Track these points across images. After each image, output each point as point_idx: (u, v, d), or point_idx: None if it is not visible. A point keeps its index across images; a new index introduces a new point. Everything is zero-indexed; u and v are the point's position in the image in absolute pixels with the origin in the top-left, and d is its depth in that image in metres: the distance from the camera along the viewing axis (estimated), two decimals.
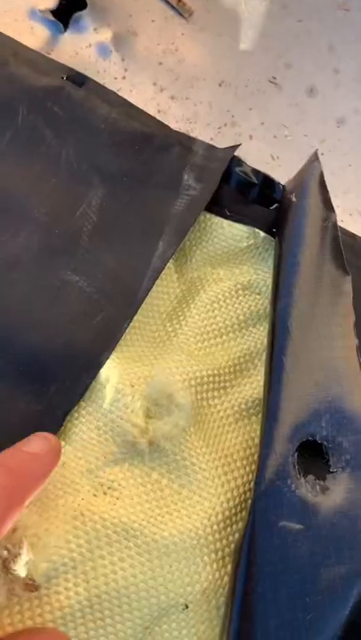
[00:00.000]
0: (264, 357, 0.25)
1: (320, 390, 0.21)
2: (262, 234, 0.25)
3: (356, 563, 0.20)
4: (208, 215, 0.26)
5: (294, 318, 0.22)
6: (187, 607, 0.20)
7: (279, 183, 0.26)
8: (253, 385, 0.25)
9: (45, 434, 0.19)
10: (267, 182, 0.27)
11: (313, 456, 0.21)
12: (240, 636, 0.19)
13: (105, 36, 0.31)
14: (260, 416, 0.24)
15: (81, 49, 0.30)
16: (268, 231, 0.25)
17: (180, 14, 0.31)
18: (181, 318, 0.25)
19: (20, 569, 0.18)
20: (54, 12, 0.30)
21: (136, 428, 0.20)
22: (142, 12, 0.31)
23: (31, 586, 0.18)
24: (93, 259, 0.24)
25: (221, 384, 0.24)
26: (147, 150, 0.26)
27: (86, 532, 0.20)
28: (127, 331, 0.23)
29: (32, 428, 0.21)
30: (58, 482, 0.20)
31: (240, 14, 0.31)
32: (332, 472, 0.21)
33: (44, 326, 0.22)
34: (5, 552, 0.17)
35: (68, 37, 0.31)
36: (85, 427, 0.21)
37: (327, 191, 0.24)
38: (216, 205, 0.26)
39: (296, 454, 0.21)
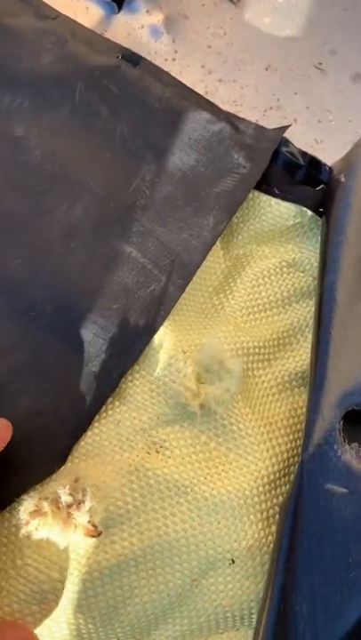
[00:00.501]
0: (306, 333, 0.26)
1: None
2: (309, 212, 0.26)
3: None
4: (257, 193, 0.26)
5: (341, 292, 0.22)
6: (233, 562, 0.21)
7: (326, 165, 0.27)
8: (296, 359, 0.25)
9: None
10: (313, 164, 0.27)
11: (357, 425, 0.22)
12: (284, 590, 0.20)
13: (157, 18, 0.31)
14: (302, 388, 0.25)
15: (133, 30, 0.31)
16: (315, 210, 0.26)
17: None
18: (228, 292, 0.26)
19: (83, 515, 0.19)
20: None
21: (188, 391, 0.21)
22: None
23: (92, 531, 0.19)
24: (146, 231, 0.25)
25: (266, 356, 0.25)
26: (198, 129, 0.27)
27: (140, 486, 0.21)
28: (178, 301, 0.24)
29: (88, 388, 0.22)
30: (114, 438, 0.21)
31: (287, 0, 0.32)
32: None
33: (99, 292, 0.23)
34: (70, 498, 0.19)
35: (121, 18, 0.32)
36: (139, 389, 0.22)
37: None
38: (265, 184, 0.26)
39: (342, 422, 0.21)
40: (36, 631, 0.20)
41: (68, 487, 0.19)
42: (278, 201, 0.26)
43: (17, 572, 0.20)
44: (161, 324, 0.23)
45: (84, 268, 0.24)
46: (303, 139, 0.32)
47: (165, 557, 0.21)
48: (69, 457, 0.21)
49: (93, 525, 0.19)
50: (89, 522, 0.19)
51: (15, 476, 0.20)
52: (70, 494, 0.19)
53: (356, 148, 0.26)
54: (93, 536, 0.19)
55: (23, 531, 0.19)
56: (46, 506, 0.19)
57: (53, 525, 0.18)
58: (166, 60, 0.31)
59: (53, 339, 0.23)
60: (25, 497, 0.19)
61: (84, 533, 0.19)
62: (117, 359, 0.22)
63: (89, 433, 0.22)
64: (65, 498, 0.18)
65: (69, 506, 0.19)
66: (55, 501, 0.19)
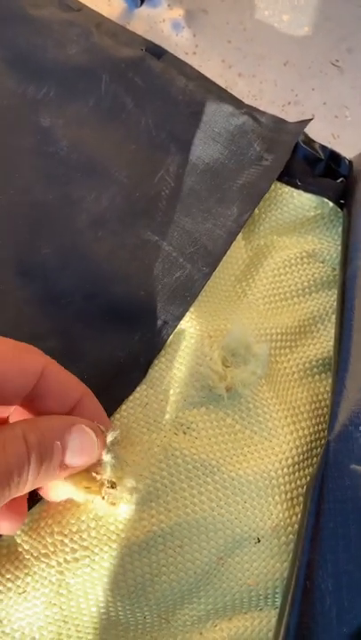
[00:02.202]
0: (326, 322, 0.27)
1: None
2: (331, 204, 0.27)
3: None
4: (279, 184, 0.27)
5: None
6: (258, 541, 0.22)
7: (345, 158, 0.28)
8: (317, 346, 0.26)
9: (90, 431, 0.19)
10: (333, 157, 0.28)
11: None
12: (310, 567, 0.20)
13: (178, 12, 0.32)
14: (323, 375, 0.26)
15: (155, 23, 0.32)
16: (335, 202, 0.27)
17: None
18: (251, 281, 0.26)
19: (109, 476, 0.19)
20: None
21: (215, 374, 0.22)
22: None
23: (113, 483, 0.19)
24: (171, 221, 0.25)
25: (288, 343, 0.25)
26: (221, 122, 0.27)
27: (168, 465, 0.21)
28: (203, 288, 0.24)
29: (117, 372, 0.23)
30: (142, 420, 0.22)
31: None
32: None
33: (127, 279, 0.24)
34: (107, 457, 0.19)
35: (143, 12, 0.32)
36: (166, 372, 0.23)
37: None
38: (287, 175, 0.27)
39: None
40: (65, 606, 0.20)
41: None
42: (300, 192, 0.27)
43: (50, 544, 0.20)
44: (187, 310, 0.23)
45: (112, 255, 0.24)
46: (320, 134, 0.32)
47: (193, 535, 0.21)
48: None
49: (112, 481, 0.19)
50: (110, 481, 0.19)
51: None
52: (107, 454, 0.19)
53: None
54: (114, 487, 0.19)
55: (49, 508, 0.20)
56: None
57: (78, 484, 0.19)
58: (187, 53, 0.31)
59: (83, 325, 0.23)
60: None
61: (107, 489, 0.19)
62: (145, 344, 0.23)
63: (117, 416, 0.22)
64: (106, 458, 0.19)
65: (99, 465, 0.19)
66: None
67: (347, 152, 0.30)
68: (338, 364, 0.22)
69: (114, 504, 0.20)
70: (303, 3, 0.32)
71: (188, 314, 0.24)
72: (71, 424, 0.18)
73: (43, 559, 0.20)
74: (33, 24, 0.28)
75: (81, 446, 0.18)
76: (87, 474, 0.19)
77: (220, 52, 0.31)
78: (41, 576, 0.20)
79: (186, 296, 0.24)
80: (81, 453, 0.18)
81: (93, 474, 0.19)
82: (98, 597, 0.20)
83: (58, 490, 0.20)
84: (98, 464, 0.19)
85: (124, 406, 0.22)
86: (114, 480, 0.19)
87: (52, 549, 0.20)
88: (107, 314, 0.23)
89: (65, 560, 0.20)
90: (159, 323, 0.23)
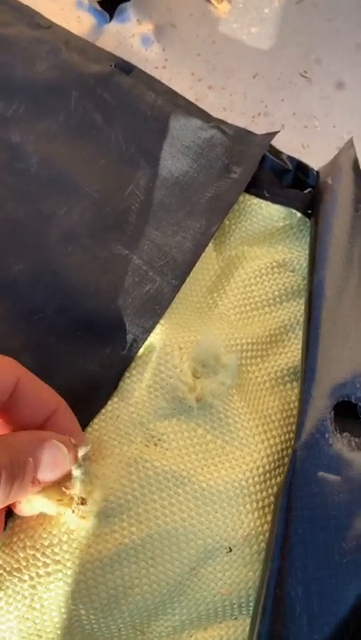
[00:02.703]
0: (297, 330, 0.27)
1: (354, 355, 0.23)
2: (299, 214, 0.27)
3: None
4: (247, 196, 0.27)
5: (330, 289, 0.24)
6: (230, 550, 0.22)
7: (313, 169, 0.28)
8: (288, 355, 0.26)
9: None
10: (301, 168, 0.28)
11: (348, 416, 0.23)
12: (280, 575, 0.20)
13: (147, 27, 0.32)
14: (294, 383, 0.26)
15: (125, 38, 0.32)
16: (303, 212, 0.27)
17: (217, 9, 0.32)
18: (221, 292, 0.27)
19: (78, 490, 0.19)
20: (101, 3, 0.31)
21: (185, 385, 0.22)
22: (181, 5, 0.33)
23: (83, 500, 0.19)
24: (141, 234, 0.26)
25: (259, 352, 0.26)
26: (190, 135, 0.28)
27: (139, 477, 0.21)
28: (173, 300, 0.25)
29: (89, 386, 0.23)
30: (113, 433, 0.22)
31: (273, 11, 0.33)
32: None
33: (98, 293, 0.24)
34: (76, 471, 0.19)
35: (112, 27, 0.33)
36: (137, 385, 0.23)
37: None
38: (255, 187, 0.27)
39: (333, 412, 0.22)
40: (38, 620, 0.20)
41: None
42: (268, 203, 0.27)
43: (22, 559, 0.20)
44: (157, 323, 0.24)
45: (83, 270, 0.25)
46: (290, 144, 0.33)
47: (164, 546, 0.21)
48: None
49: (82, 497, 0.19)
50: (80, 497, 0.19)
51: None
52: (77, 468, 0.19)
53: (343, 152, 0.27)
54: (83, 503, 0.19)
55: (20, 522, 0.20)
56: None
57: (49, 497, 0.19)
58: (157, 67, 0.32)
59: (56, 340, 0.23)
60: None
61: (77, 505, 0.19)
62: (116, 358, 0.23)
63: (88, 429, 0.22)
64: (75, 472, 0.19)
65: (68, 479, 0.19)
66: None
67: (317, 161, 0.31)
68: (305, 373, 0.22)
69: (84, 517, 0.20)
70: (271, 16, 0.32)
71: (158, 326, 0.24)
72: (42, 440, 0.18)
73: (15, 574, 0.20)
74: (2, 42, 0.29)
75: (53, 461, 0.18)
76: (58, 487, 0.20)
77: (190, 65, 0.32)
78: (14, 590, 0.20)
79: (156, 309, 0.24)
80: (53, 468, 0.18)
81: (63, 488, 0.19)
82: (71, 611, 0.21)
83: (30, 504, 0.20)
84: (68, 478, 0.20)
85: (95, 419, 0.22)
86: (83, 496, 0.20)
87: (24, 564, 0.20)
88: (78, 328, 0.24)
89: (37, 574, 0.20)
90: (130, 336, 0.24)
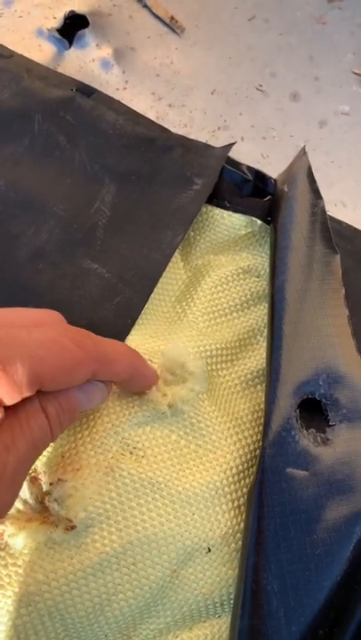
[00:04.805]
0: (265, 333, 0.28)
1: (316, 354, 0.24)
2: (259, 222, 0.28)
3: (356, 504, 0.23)
4: (210, 207, 0.29)
5: (291, 292, 0.25)
6: (209, 551, 0.23)
7: (271, 177, 0.30)
8: (257, 358, 0.27)
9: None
10: (259, 177, 0.30)
11: (313, 413, 0.24)
12: (256, 570, 0.21)
13: (106, 51, 0.34)
14: (263, 385, 0.27)
15: (85, 63, 0.33)
16: (263, 219, 0.28)
17: (174, 30, 0.34)
18: (190, 300, 0.28)
19: (62, 509, 0.20)
20: (60, 31, 0.33)
21: (157, 391, 0.23)
22: (139, 29, 0.34)
23: (70, 524, 0.20)
24: (109, 248, 0.27)
25: (228, 357, 0.27)
26: (151, 151, 0.29)
27: (117, 485, 0.22)
28: (143, 311, 0.25)
29: None
30: (89, 443, 0.23)
31: (227, 29, 0.35)
32: (331, 425, 0.24)
33: (68, 308, 0.25)
34: (50, 488, 0.20)
35: (72, 53, 0.34)
36: (110, 395, 0.24)
37: (315, 181, 0.27)
38: (216, 198, 0.28)
39: (298, 410, 0.23)
40: (25, 633, 0.21)
41: (47, 483, 0.20)
42: (230, 213, 0.28)
43: (5, 576, 0.20)
44: (128, 333, 0.25)
45: (53, 286, 0.25)
46: (251, 154, 0.34)
47: (145, 552, 0.22)
48: (45, 462, 0.22)
49: (68, 519, 0.20)
50: (64, 516, 0.20)
51: None
52: (50, 486, 0.20)
53: (296, 160, 0.28)
54: (69, 528, 0.20)
55: (0, 542, 0.20)
56: (21, 505, 0.20)
57: (31, 522, 0.19)
58: (118, 89, 0.33)
59: None
60: None
61: (64, 527, 0.20)
62: None
63: (64, 441, 0.23)
64: (45, 487, 0.20)
65: (47, 499, 0.20)
66: (33, 498, 0.20)
67: (277, 169, 0.32)
68: (270, 374, 0.23)
69: (68, 530, 0.20)
70: (225, 34, 0.34)
71: (129, 337, 0.25)
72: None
73: (0, 590, 0.21)
74: None
75: (93, 395, 0.20)
76: (39, 515, 0.20)
77: (150, 85, 0.33)
78: None
79: (127, 319, 0.25)
80: (93, 401, 0.20)
81: (45, 506, 0.20)
82: (55, 621, 0.21)
83: (17, 538, 0.20)
84: (48, 510, 0.20)
85: (71, 431, 0.23)
86: (62, 513, 0.20)
87: (7, 580, 0.21)
88: None
89: (21, 589, 0.21)
90: None
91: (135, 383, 0.22)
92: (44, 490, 0.21)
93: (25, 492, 0.20)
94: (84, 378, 0.18)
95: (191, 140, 0.30)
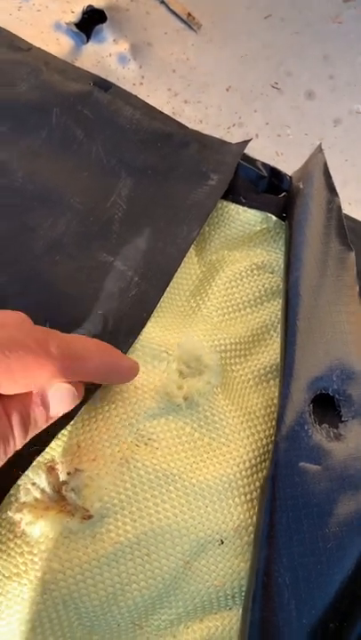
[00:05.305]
0: (279, 329, 0.28)
1: (330, 350, 0.24)
2: (274, 218, 0.28)
3: None
4: (225, 203, 0.29)
5: (305, 287, 0.25)
6: (222, 543, 0.23)
7: (286, 174, 0.30)
8: (270, 353, 0.28)
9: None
10: (275, 174, 0.30)
11: (326, 408, 0.24)
12: (268, 562, 0.21)
13: (123, 46, 0.34)
14: (276, 380, 0.27)
15: (102, 58, 0.33)
16: (278, 216, 0.29)
17: (190, 27, 0.34)
18: (204, 295, 0.28)
19: (79, 498, 0.20)
20: (78, 25, 0.33)
21: (173, 384, 0.23)
22: (156, 25, 0.34)
23: (87, 514, 0.20)
24: (125, 242, 0.27)
25: (242, 352, 0.27)
26: (168, 146, 0.29)
27: (131, 477, 0.22)
28: (158, 304, 0.26)
29: None
30: (104, 434, 0.23)
31: (243, 27, 0.35)
32: (344, 421, 0.24)
33: (85, 300, 0.25)
34: (68, 477, 0.20)
35: (90, 47, 0.34)
36: (125, 387, 0.24)
37: (331, 178, 0.27)
38: (232, 194, 0.29)
39: (311, 406, 0.23)
40: (39, 621, 0.21)
41: (64, 472, 0.20)
42: (245, 209, 0.28)
43: (21, 563, 0.21)
44: (144, 326, 0.25)
45: (70, 278, 0.26)
46: (265, 151, 0.34)
47: (159, 542, 0.22)
48: (62, 452, 0.22)
49: (85, 508, 0.20)
50: (81, 505, 0.20)
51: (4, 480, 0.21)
52: (67, 475, 0.20)
53: (312, 157, 0.28)
54: (86, 518, 0.20)
55: (17, 530, 0.21)
56: (39, 494, 0.20)
57: (48, 511, 0.20)
58: (134, 84, 0.33)
59: None
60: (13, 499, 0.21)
61: (81, 516, 0.20)
62: None
63: (80, 431, 0.23)
64: (63, 477, 0.20)
65: (65, 488, 0.20)
66: (50, 487, 0.20)
67: (291, 167, 0.32)
68: (283, 369, 0.23)
69: (85, 519, 0.21)
70: (241, 32, 0.34)
71: (144, 329, 0.25)
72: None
73: (15, 578, 0.21)
74: None
75: (61, 398, 0.19)
76: (56, 504, 0.21)
77: (166, 81, 0.33)
78: (14, 594, 0.21)
79: (142, 313, 0.25)
80: (62, 404, 0.19)
81: (62, 495, 0.20)
82: (70, 611, 0.21)
83: (34, 526, 0.20)
84: (65, 499, 0.20)
85: (87, 421, 0.23)
86: (79, 503, 0.20)
87: (23, 568, 0.21)
88: (67, 333, 0.24)
89: (36, 577, 0.21)
90: (117, 339, 0.24)
91: (112, 379, 0.22)
92: (60, 479, 0.21)
93: (42, 481, 0.20)
94: (48, 379, 0.17)
95: (207, 135, 0.30)
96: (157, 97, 0.35)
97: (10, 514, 0.21)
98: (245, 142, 0.29)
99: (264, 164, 0.30)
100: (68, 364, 0.17)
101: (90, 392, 0.23)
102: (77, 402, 0.20)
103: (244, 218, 0.29)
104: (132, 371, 0.22)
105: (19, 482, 0.21)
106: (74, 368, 0.18)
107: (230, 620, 0.23)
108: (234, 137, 0.34)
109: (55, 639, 0.21)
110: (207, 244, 0.29)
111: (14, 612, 0.21)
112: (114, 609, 0.22)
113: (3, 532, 0.21)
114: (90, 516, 0.20)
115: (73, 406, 0.19)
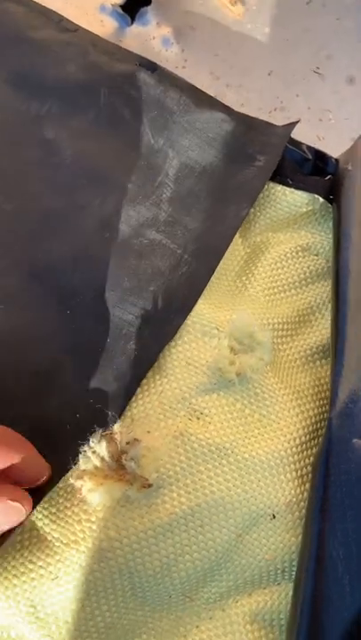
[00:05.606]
0: (323, 310, 0.28)
1: None
2: (321, 200, 0.28)
3: None
4: (271, 184, 0.29)
5: (354, 267, 0.25)
6: (274, 517, 0.23)
7: (331, 157, 0.30)
8: (316, 334, 0.28)
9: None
10: (319, 157, 0.30)
11: None
12: (321, 537, 0.22)
13: (166, 29, 0.34)
14: (323, 361, 0.27)
15: (145, 40, 0.34)
16: (325, 198, 0.29)
17: (233, 11, 0.34)
18: (250, 275, 0.28)
19: (138, 467, 0.20)
20: (123, 7, 0.33)
21: (225, 359, 0.23)
22: (199, 9, 0.34)
23: (146, 482, 0.20)
24: (174, 221, 0.27)
25: (289, 332, 0.27)
26: (214, 128, 0.29)
27: (185, 450, 0.22)
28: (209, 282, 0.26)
29: (131, 365, 0.24)
30: (158, 408, 0.23)
31: (284, 12, 0.35)
32: None
33: (135, 277, 0.25)
34: (127, 447, 0.20)
35: (134, 30, 0.34)
36: (177, 362, 0.24)
37: None
38: (278, 175, 0.29)
39: None
40: (95, 589, 0.21)
41: (123, 441, 0.21)
42: (292, 190, 0.29)
43: (79, 531, 0.21)
44: (194, 303, 0.25)
45: (120, 255, 0.26)
46: (307, 136, 0.34)
47: (212, 515, 0.22)
48: (118, 425, 0.22)
49: (145, 477, 0.20)
50: (141, 474, 0.20)
51: (64, 452, 0.22)
52: (126, 445, 0.20)
53: (360, 140, 0.28)
54: (145, 486, 0.20)
55: (77, 498, 0.21)
56: (98, 462, 0.20)
57: (107, 479, 0.20)
58: (177, 67, 0.33)
59: (95, 321, 0.25)
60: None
61: (140, 485, 0.20)
62: (155, 337, 0.24)
63: (134, 404, 0.23)
64: (122, 446, 0.20)
65: (124, 457, 0.20)
66: (109, 456, 0.20)
67: (332, 151, 0.32)
68: (336, 349, 0.23)
69: (145, 487, 0.21)
70: (283, 16, 0.34)
71: (195, 307, 0.25)
72: None
73: (73, 546, 0.21)
74: (32, 45, 0.30)
75: (6, 514, 0.19)
76: (114, 472, 0.21)
77: (208, 65, 0.34)
78: (72, 562, 0.21)
79: (192, 290, 0.25)
80: (7, 520, 0.19)
81: (121, 464, 0.21)
82: (125, 580, 0.21)
83: (95, 493, 0.21)
84: (123, 468, 0.21)
85: (140, 395, 0.23)
86: (138, 472, 0.21)
87: (81, 536, 0.21)
88: (117, 311, 0.25)
89: (94, 545, 0.21)
90: (168, 315, 0.25)
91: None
92: (119, 449, 0.21)
93: (102, 449, 0.21)
94: None
95: (252, 117, 0.30)
96: (199, 80, 0.35)
97: (71, 480, 0.21)
98: (293, 124, 0.29)
99: (309, 147, 0.30)
100: None
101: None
102: (27, 513, 0.20)
103: (290, 199, 0.29)
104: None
105: (83, 450, 0.21)
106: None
107: (279, 595, 0.23)
108: (275, 121, 0.34)
109: (109, 608, 0.22)
110: (252, 225, 0.29)
111: (72, 578, 0.21)
112: (167, 580, 0.22)
113: (60, 501, 0.22)
114: (149, 485, 0.21)
115: (22, 520, 0.19)
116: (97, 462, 0.21)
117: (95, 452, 0.21)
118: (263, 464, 0.23)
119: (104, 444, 0.21)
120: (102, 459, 0.21)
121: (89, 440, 0.21)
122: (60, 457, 0.21)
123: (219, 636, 0.23)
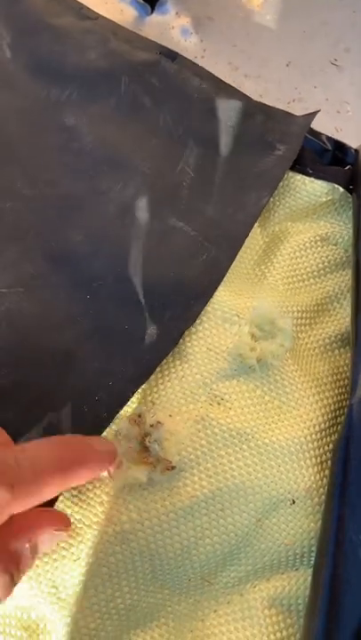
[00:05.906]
0: (342, 300, 0.28)
1: None
2: (341, 189, 0.28)
3: None
4: (291, 173, 0.29)
5: None
6: (293, 502, 0.23)
7: (351, 147, 0.30)
8: (335, 323, 0.28)
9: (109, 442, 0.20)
10: (339, 147, 0.30)
11: None
12: (341, 521, 0.22)
13: (185, 19, 0.34)
14: (342, 350, 0.27)
15: (165, 30, 0.34)
16: (345, 188, 0.29)
17: (251, 2, 0.34)
18: (269, 264, 0.28)
19: (161, 449, 0.20)
20: None
21: (246, 345, 0.23)
22: None
23: (169, 464, 0.20)
24: (194, 208, 0.27)
25: (308, 320, 0.27)
26: (233, 117, 0.29)
27: (207, 434, 0.22)
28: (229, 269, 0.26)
29: (151, 348, 0.24)
30: (179, 392, 0.23)
31: (302, 4, 0.35)
32: None
33: (156, 262, 0.25)
34: (150, 429, 0.20)
35: (153, 19, 0.34)
36: (198, 348, 0.24)
37: None
38: (298, 164, 0.29)
39: None
40: (116, 570, 0.21)
41: (147, 424, 0.21)
42: (312, 179, 0.29)
43: (101, 512, 0.21)
44: (215, 289, 0.25)
45: (140, 240, 0.26)
46: (325, 127, 0.34)
47: (233, 499, 0.22)
48: (140, 411, 0.23)
49: (168, 460, 0.21)
50: (164, 457, 0.20)
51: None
52: (150, 427, 0.20)
53: None
54: (169, 469, 0.21)
55: (100, 479, 0.21)
56: (123, 444, 0.20)
57: (132, 462, 0.20)
58: (195, 57, 0.33)
59: (115, 306, 0.25)
60: None
61: (163, 468, 0.21)
62: (176, 322, 0.24)
63: (155, 389, 0.23)
64: (146, 428, 0.20)
65: (148, 439, 0.20)
66: (131, 437, 0.20)
67: (350, 143, 0.32)
68: (356, 334, 0.24)
69: (168, 470, 0.21)
70: (301, 8, 0.34)
71: (216, 293, 0.25)
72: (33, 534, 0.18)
73: (94, 527, 0.21)
74: (53, 32, 0.30)
75: (50, 540, 0.19)
76: (139, 455, 0.21)
77: (227, 55, 0.34)
78: (93, 543, 0.21)
79: (213, 277, 0.25)
80: (51, 544, 0.20)
81: (146, 446, 0.21)
82: (145, 562, 0.22)
83: (121, 474, 0.21)
84: (147, 451, 0.21)
85: (161, 380, 0.24)
86: (161, 454, 0.21)
87: (102, 517, 0.21)
88: (138, 295, 0.25)
89: (116, 527, 0.21)
90: (189, 301, 0.25)
91: (83, 476, 0.18)
92: (144, 431, 0.21)
93: (130, 432, 0.21)
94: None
95: (271, 107, 0.30)
96: (218, 71, 0.35)
97: None
98: (313, 114, 0.29)
99: (328, 138, 0.30)
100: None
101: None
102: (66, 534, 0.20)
103: (310, 188, 0.29)
104: (107, 459, 0.20)
105: (104, 432, 0.21)
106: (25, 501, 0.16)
107: (297, 580, 0.24)
108: (294, 111, 0.35)
109: (129, 590, 0.22)
110: (271, 214, 0.29)
111: (94, 560, 0.21)
112: (187, 563, 0.22)
113: (83, 483, 0.22)
114: (173, 467, 0.21)
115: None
116: (125, 444, 0.21)
117: (122, 434, 0.21)
118: (283, 450, 0.23)
119: (128, 426, 0.21)
120: (129, 440, 0.21)
121: (113, 421, 0.21)
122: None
123: (237, 620, 0.23)
